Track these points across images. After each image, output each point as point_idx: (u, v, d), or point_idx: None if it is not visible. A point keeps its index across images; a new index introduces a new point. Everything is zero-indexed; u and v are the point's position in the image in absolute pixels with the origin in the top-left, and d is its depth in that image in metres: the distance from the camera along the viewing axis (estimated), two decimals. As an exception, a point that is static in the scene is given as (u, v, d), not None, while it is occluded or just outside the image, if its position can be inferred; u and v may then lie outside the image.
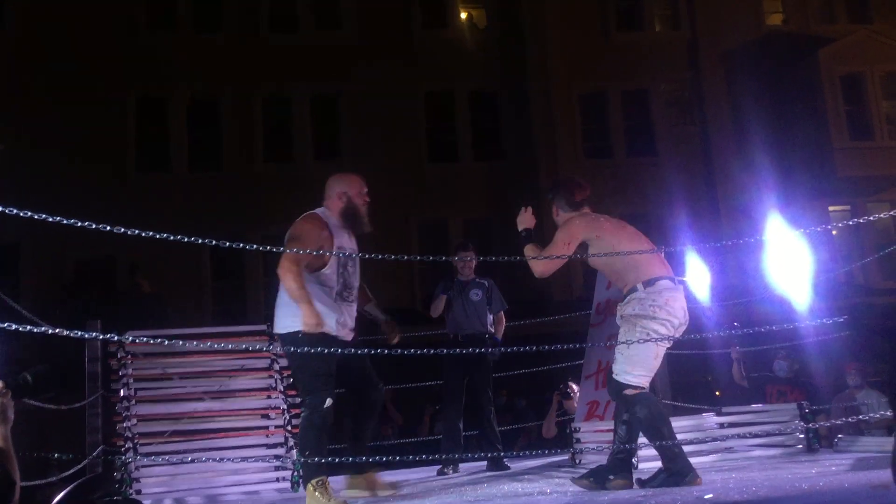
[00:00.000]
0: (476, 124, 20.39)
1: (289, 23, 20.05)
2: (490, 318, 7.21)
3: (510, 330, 7.58)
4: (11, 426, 3.41)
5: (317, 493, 4.58)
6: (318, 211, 4.98)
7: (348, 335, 4.95)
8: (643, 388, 4.73)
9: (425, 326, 8.53)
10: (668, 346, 4.86)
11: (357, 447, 5.14)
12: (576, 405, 8.41)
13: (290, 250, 4.66)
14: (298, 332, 4.68)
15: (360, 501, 4.94)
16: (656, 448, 4.69)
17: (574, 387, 8.46)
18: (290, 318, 4.74)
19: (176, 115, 19.34)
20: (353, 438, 5.18)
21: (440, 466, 6.79)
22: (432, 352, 5.39)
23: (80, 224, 3.50)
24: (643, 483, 4.69)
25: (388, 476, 6.84)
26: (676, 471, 4.58)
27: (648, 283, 4.73)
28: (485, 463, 6.94)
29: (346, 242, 4.97)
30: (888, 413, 7.08)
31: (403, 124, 19.79)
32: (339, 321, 4.85)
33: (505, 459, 6.83)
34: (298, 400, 6.45)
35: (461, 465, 6.99)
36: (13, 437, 3.41)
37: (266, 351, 6.40)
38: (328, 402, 4.70)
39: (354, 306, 5.03)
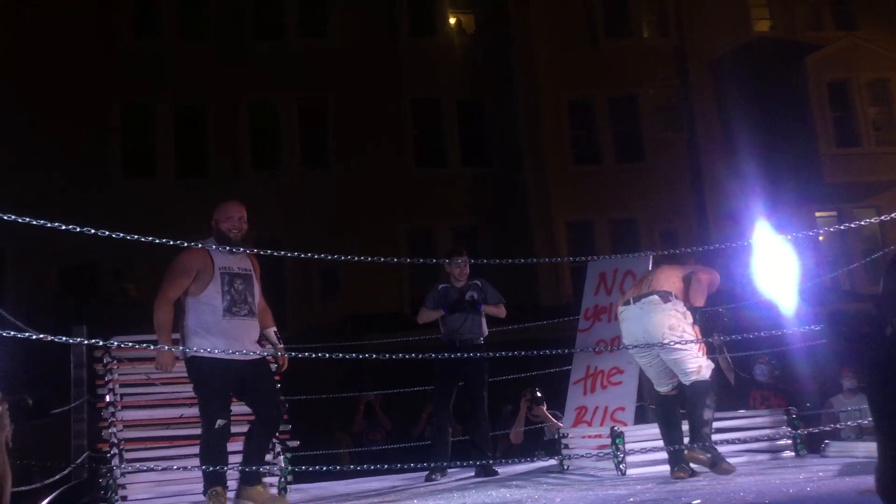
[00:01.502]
0: (463, 131, 20.39)
1: (275, 30, 20.01)
2: (483, 322, 7.17)
3: (497, 335, 7.56)
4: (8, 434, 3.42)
5: (211, 502, 4.94)
6: (205, 240, 5.22)
7: (250, 346, 5.18)
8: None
9: (413, 332, 8.51)
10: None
11: (252, 459, 5.25)
12: (545, 411, 8.43)
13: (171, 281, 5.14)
14: (194, 359, 5.01)
15: None
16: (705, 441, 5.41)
17: (539, 393, 8.51)
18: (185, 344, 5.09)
19: (162, 122, 19.26)
20: (247, 451, 5.30)
21: (428, 472, 6.76)
22: (433, 356, 5.45)
23: (64, 227, 3.48)
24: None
25: (375, 483, 6.83)
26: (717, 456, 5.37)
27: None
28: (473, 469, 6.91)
29: (234, 263, 5.22)
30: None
31: (390, 131, 19.77)
32: (230, 337, 5.06)
33: (494, 466, 6.80)
34: (286, 406, 6.45)
35: (450, 471, 6.96)
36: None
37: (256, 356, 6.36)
38: (218, 423, 5.02)
39: (250, 320, 5.24)
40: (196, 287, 5.10)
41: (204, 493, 5.05)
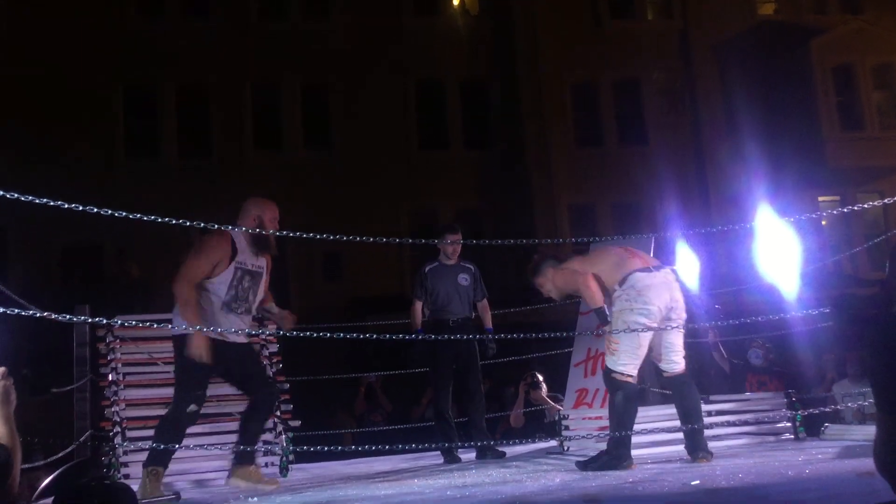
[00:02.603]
0: (467, 113, 20.35)
1: (279, 10, 19.95)
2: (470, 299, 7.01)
3: (499, 318, 7.54)
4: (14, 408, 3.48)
5: (147, 480, 4.95)
6: (229, 228, 5.16)
7: (238, 338, 5.23)
8: (630, 377, 5.13)
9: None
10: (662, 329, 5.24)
11: (246, 439, 5.28)
12: (544, 395, 8.42)
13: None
14: (187, 338, 4.98)
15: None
16: (612, 434, 5.09)
17: (539, 377, 8.47)
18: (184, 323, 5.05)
19: (165, 103, 19.24)
20: (244, 431, 5.34)
21: (444, 460, 6.68)
22: (433, 337, 5.47)
23: (67, 206, 3.48)
24: (583, 465, 5.08)
25: (378, 463, 6.87)
26: (616, 455, 5.01)
27: (622, 280, 5.25)
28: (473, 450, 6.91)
29: (251, 261, 5.24)
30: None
31: (394, 112, 19.73)
32: (220, 329, 5.08)
33: (497, 447, 6.77)
34: (287, 386, 6.47)
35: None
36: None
37: (255, 336, 6.39)
38: (191, 408, 5.08)
39: (245, 317, 5.30)
40: (211, 272, 5.12)
41: (144, 467, 5.05)
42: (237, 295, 5.18)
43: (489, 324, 7.09)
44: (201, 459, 6.03)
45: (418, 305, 6.96)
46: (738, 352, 8.57)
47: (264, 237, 5.18)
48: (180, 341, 5.08)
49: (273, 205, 5.41)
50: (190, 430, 5.51)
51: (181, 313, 5.01)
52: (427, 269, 7.07)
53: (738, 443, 6.34)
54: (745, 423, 6.52)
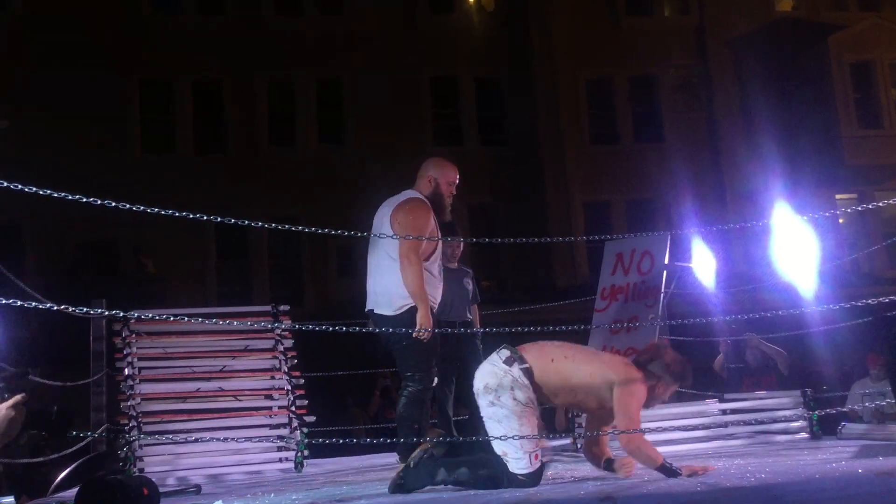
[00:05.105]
0: (481, 109, 20.34)
1: (294, 6, 19.98)
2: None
3: (517, 314, 7.52)
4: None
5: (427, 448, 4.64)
6: (418, 195, 5.00)
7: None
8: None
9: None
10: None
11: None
12: None
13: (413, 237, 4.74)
14: (413, 310, 4.77)
15: None
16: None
17: None
18: (406, 298, 4.82)
19: (181, 98, 19.31)
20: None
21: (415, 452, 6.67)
22: (448, 331, 5.43)
23: (84, 200, 3.48)
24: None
25: (393, 458, 6.86)
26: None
27: None
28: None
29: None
30: None
31: (408, 109, 19.74)
32: (437, 300, 5.01)
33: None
34: (302, 381, 6.47)
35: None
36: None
37: (271, 331, 6.40)
38: (436, 379, 4.95)
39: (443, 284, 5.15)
40: (427, 249, 4.90)
41: (400, 458, 4.89)
42: (440, 264, 5.07)
43: (478, 326, 6.96)
44: (219, 454, 6.05)
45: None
46: (735, 353, 8.50)
47: (440, 201, 5.00)
48: (405, 320, 4.82)
49: (451, 167, 5.17)
50: (206, 424, 5.51)
51: (410, 291, 4.78)
52: None
53: (753, 441, 6.31)
54: (761, 422, 6.48)
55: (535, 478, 4.16)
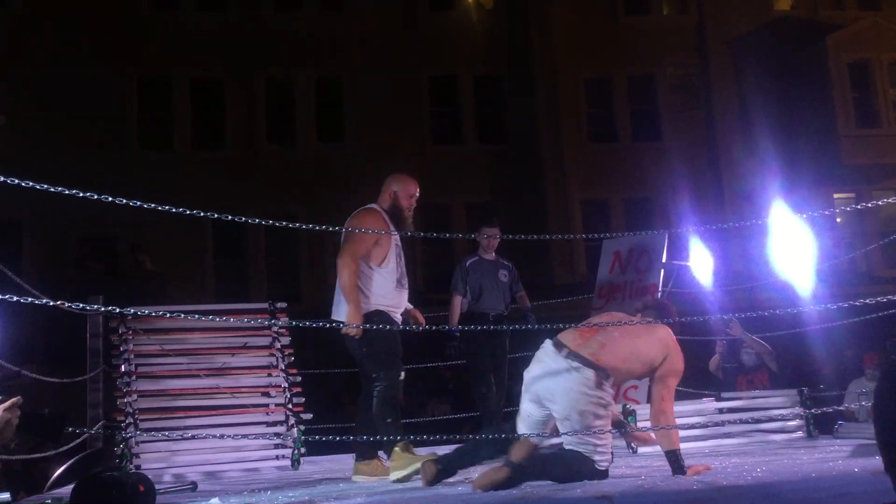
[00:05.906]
0: (480, 108, 20.33)
1: (293, 5, 19.95)
2: (507, 295, 7.10)
3: (514, 312, 7.53)
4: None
5: (404, 454, 4.87)
6: (375, 206, 5.26)
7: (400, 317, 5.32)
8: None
9: (429, 308, 8.51)
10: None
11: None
12: None
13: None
14: (372, 314, 5.03)
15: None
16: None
17: None
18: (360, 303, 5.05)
19: (180, 95, 19.29)
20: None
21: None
22: (460, 328, 5.53)
23: (82, 195, 3.48)
24: None
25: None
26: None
27: None
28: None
29: (398, 236, 5.29)
30: None
31: (407, 107, 19.73)
32: (399, 309, 5.24)
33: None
34: (299, 379, 6.47)
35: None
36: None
37: (268, 329, 6.40)
38: (402, 374, 5.09)
39: (406, 293, 5.35)
40: (376, 254, 5.13)
41: (386, 453, 5.03)
42: (403, 271, 5.27)
43: (527, 304, 7.19)
44: (216, 451, 6.05)
45: (458, 300, 7.01)
46: (730, 352, 8.50)
47: (399, 214, 5.23)
48: (367, 318, 5.05)
49: (411, 181, 5.40)
50: (203, 421, 5.50)
51: (342, 290, 5.07)
52: (468, 262, 7.11)
53: (750, 440, 6.31)
54: (758, 421, 6.48)
55: (608, 471, 4.29)
